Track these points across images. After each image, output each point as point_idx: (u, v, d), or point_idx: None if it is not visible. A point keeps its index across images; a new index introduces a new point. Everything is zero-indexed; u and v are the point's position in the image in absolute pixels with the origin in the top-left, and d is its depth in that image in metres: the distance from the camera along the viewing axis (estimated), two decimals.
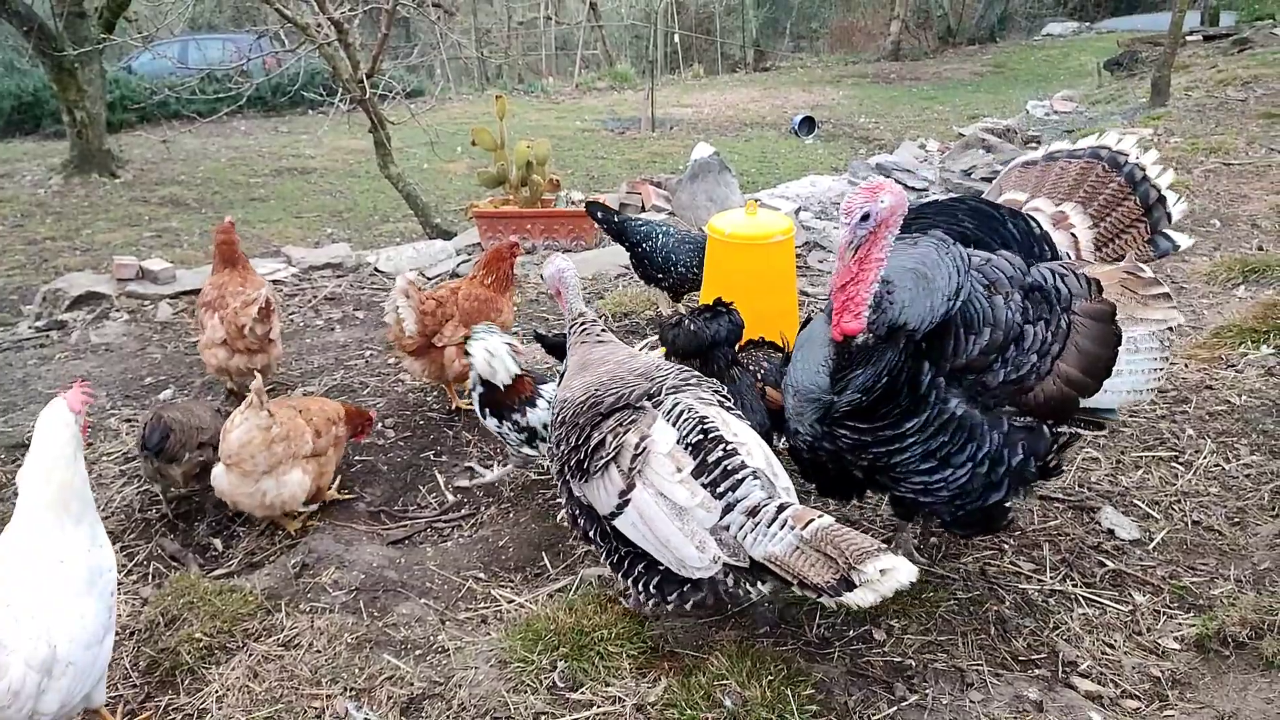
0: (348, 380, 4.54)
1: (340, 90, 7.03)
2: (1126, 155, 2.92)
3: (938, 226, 2.66)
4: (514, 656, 2.49)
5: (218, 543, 3.21)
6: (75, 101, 10.54)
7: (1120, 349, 2.41)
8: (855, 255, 2.33)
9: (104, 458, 3.78)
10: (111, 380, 4.64)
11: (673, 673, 2.43)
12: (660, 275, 4.87)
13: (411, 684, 2.45)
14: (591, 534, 2.49)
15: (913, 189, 7.48)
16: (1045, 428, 2.46)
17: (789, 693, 2.28)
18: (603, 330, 2.82)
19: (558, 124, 14.61)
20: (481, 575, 2.99)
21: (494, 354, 3.28)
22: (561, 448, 2.53)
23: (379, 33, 7.25)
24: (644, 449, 2.32)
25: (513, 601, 2.82)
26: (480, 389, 3.33)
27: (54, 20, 10.44)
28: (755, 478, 2.23)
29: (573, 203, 7.30)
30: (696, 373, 2.64)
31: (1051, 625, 2.60)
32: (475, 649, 2.58)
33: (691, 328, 3.08)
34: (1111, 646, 2.51)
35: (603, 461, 2.36)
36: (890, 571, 1.98)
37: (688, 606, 2.31)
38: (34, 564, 2.09)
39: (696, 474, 2.24)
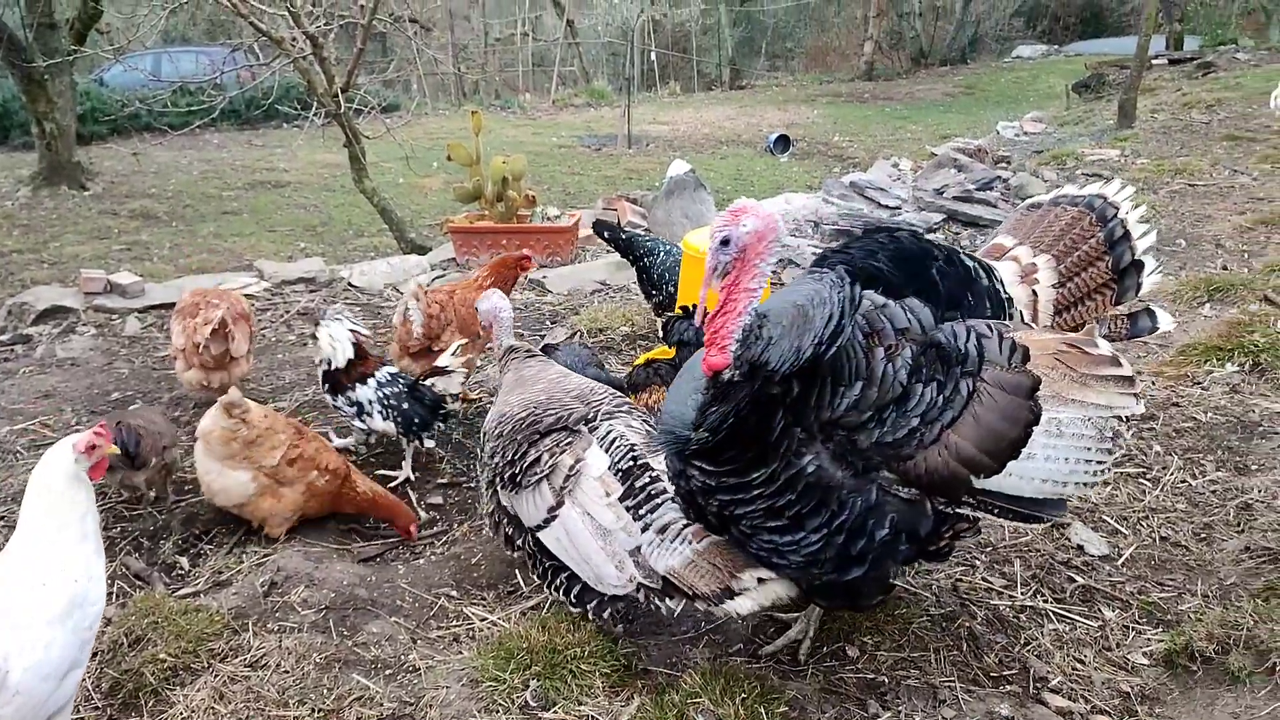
0: (318, 396, 4.49)
1: (315, 104, 7.01)
2: (1116, 208, 2.67)
3: (851, 261, 2.42)
4: (486, 675, 2.47)
5: (184, 561, 3.16)
6: (45, 113, 10.40)
7: (1036, 429, 2.08)
8: (722, 284, 2.14)
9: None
10: (77, 395, 4.56)
11: (646, 691, 2.41)
12: (653, 291, 4.92)
13: (381, 704, 2.41)
14: (517, 541, 2.62)
15: (886, 207, 7.56)
16: (929, 504, 2.14)
17: (762, 710, 2.28)
18: (529, 354, 3.02)
19: (534, 140, 14.64)
20: (453, 593, 2.96)
21: (336, 339, 3.69)
22: (495, 459, 2.65)
23: (354, 47, 7.24)
24: (577, 470, 2.47)
25: (485, 620, 2.79)
26: (324, 368, 3.72)
27: (24, 31, 10.31)
28: (673, 501, 2.36)
29: (548, 218, 7.31)
30: (628, 400, 2.76)
31: (1023, 641, 2.61)
32: (447, 668, 2.55)
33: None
34: (1082, 662, 2.53)
35: (536, 477, 2.51)
36: (768, 581, 2.14)
37: (605, 615, 2.48)
38: (10, 582, 2.04)
39: (623, 498, 2.40)
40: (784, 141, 12.95)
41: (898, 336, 2.13)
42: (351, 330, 3.76)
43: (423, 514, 3.46)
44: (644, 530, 2.33)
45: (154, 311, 5.84)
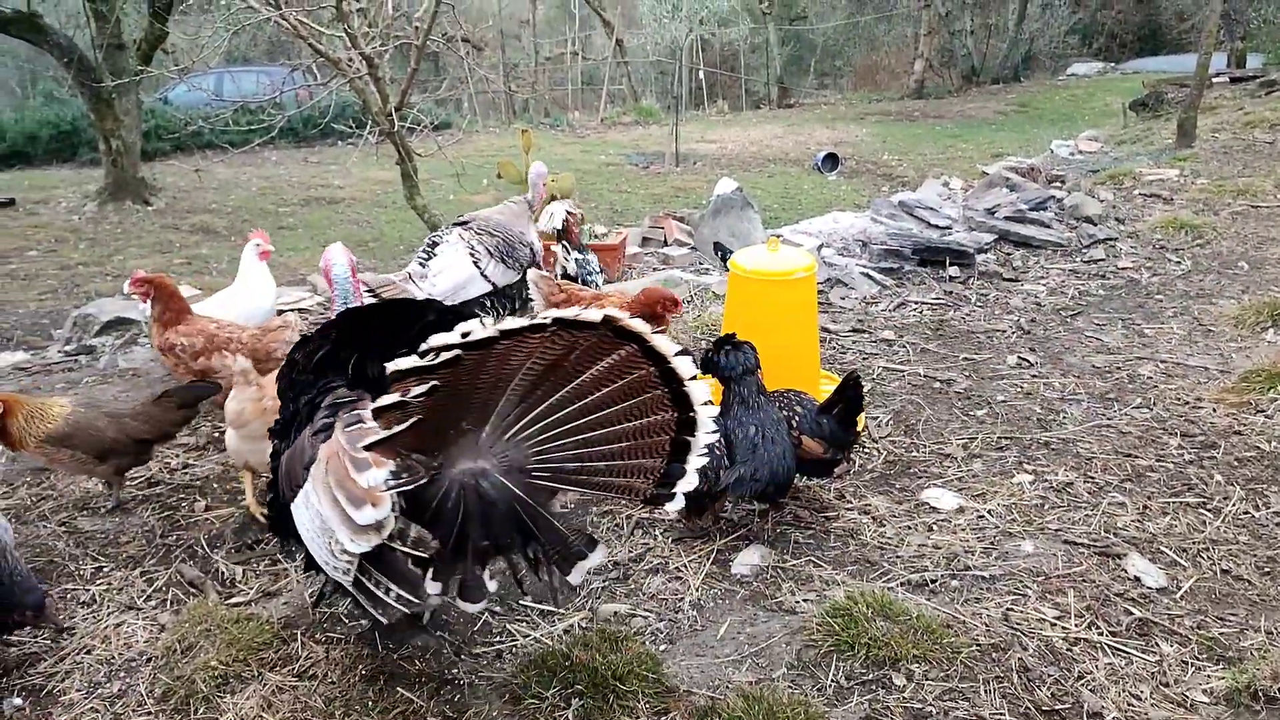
0: None
1: (370, 123, 7.15)
2: None
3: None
4: (529, 693, 2.47)
5: (238, 570, 3.22)
6: (111, 131, 10.78)
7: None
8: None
9: (127, 482, 3.81)
10: None
11: (688, 714, 2.39)
12: None
13: (425, 718, 2.43)
14: None
15: (935, 227, 7.47)
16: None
17: None
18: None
19: (582, 158, 14.76)
20: (497, 608, 2.98)
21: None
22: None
23: (409, 67, 7.38)
24: None
25: (528, 636, 2.80)
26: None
27: (94, 52, 10.72)
28: None
29: (595, 236, 7.35)
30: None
31: (1076, 675, 2.54)
32: (490, 684, 2.57)
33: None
34: (1138, 698, 2.45)
35: None
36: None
37: None
38: None
39: None
40: (832, 160, 12.89)
41: None
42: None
43: None
44: None
45: None
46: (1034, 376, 4.66)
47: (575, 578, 2.16)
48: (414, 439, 1.93)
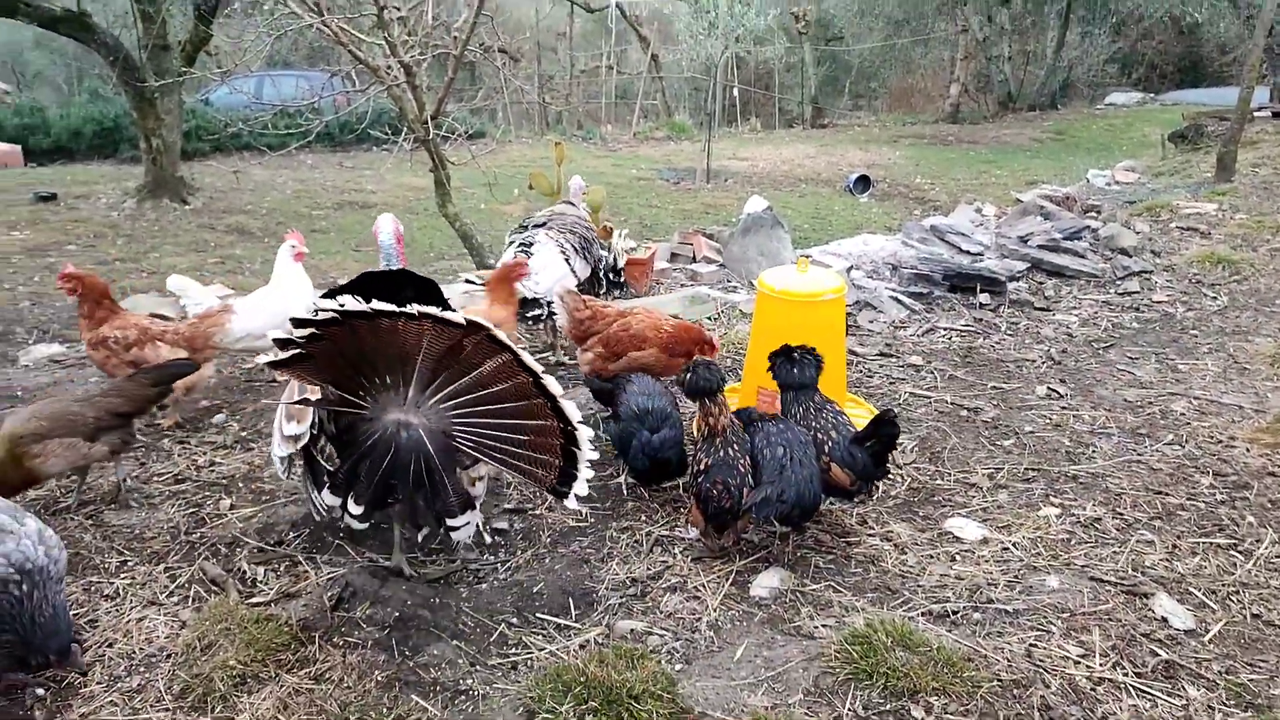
0: None
1: (405, 130, 7.23)
2: None
3: None
4: (543, 707, 2.46)
5: (259, 570, 3.24)
6: (153, 130, 10.97)
7: None
8: None
9: (155, 478, 3.86)
10: (167, 401, 4.74)
11: None
12: None
13: None
14: None
15: (966, 253, 7.42)
16: None
17: None
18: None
19: (614, 171, 14.82)
20: (514, 620, 2.97)
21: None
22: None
23: (446, 76, 7.45)
24: None
25: (544, 650, 2.79)
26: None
27: (139, 51, 10.93)
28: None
29: (625, 251, 7.36)
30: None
31: (1099, 715, 2.50)
32: (504, 696, 2.56)
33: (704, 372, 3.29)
34: None
35: None
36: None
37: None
38: None
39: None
40: (864, 181, 12.85)
41: None
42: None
43: (487, 538, 3.49)
44: None
45: None
46: (1064, 408, 4.60)
47: (458, 535, 2.73)
48: (331, 377, 2.49)
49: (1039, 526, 3.47)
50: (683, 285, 7.16)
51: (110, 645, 2.78)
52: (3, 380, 5.13)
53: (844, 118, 25.71)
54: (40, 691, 2.58)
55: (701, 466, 3.19)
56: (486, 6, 7.62)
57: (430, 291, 2.74)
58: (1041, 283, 6.91)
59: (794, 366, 3.38)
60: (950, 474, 3.93)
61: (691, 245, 8.04)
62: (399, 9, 6.93)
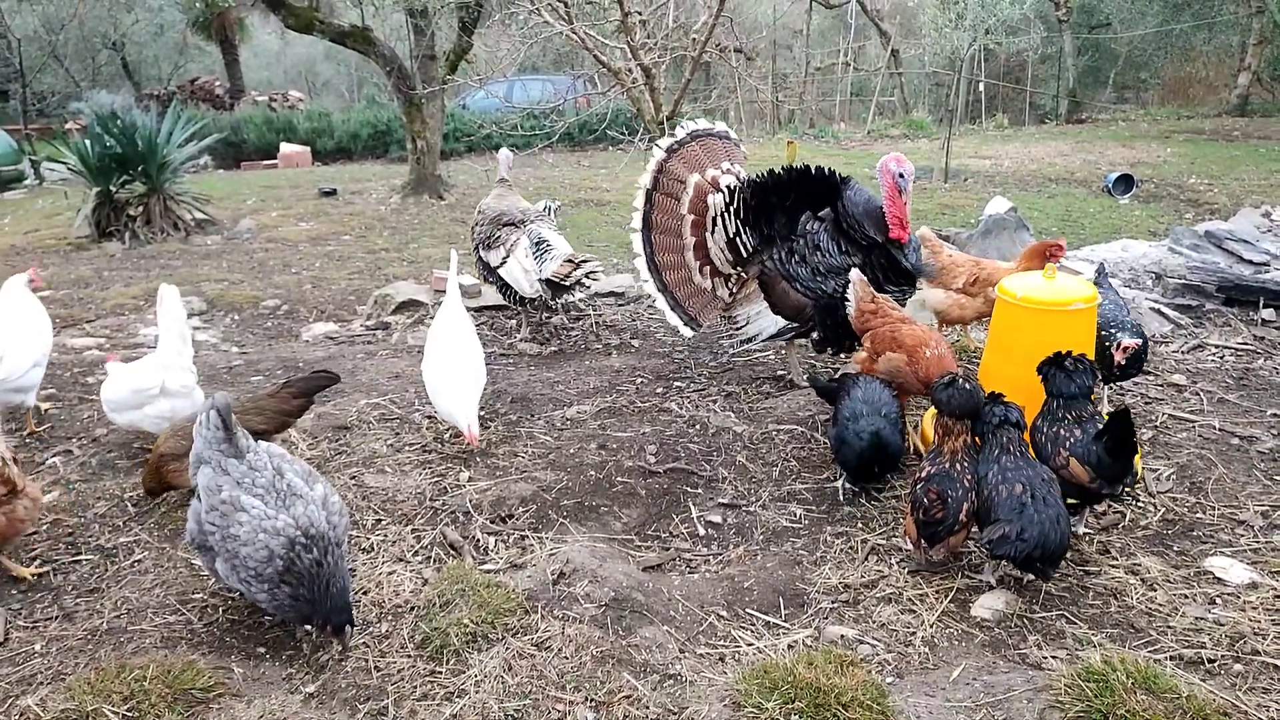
0: (617, 404, 4.78)
1: (641, 129, 7.49)
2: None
3: None
4: (749, 700, 2.48)
5: (490, 540, 3.50)
6: (418, 132, 12.10)
7: None
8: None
9: (406, 447, 4.26)
10: (418, 379, 5.21)
11: None
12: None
13: (648, 707, 2.52)
14: (488, 276, 5.87)
15: (1249, 262, 6.58)
16: None
17: None
18: (508, 189, 6.11)
19: (845, 169, 14.45)
20: (724, 613, 3.01)
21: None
22: (478, 231, 5.88)
23: (683, 77, 7.64)
24: (516, 242, 5.62)
25: (752, 645, 2.81)
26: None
27: (410, 62, 12.08)
28: (557, 253, 5.55)
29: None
30: (543, 215, 5.95)
31: None
32: (710, 685, 2.61)
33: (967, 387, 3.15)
34: None
35: (500, 243, 5.72)
36: (584, 262, 5.54)
37: (527, 306, 5.80)
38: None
39: (534, 255, 5.56)
40: (1126, 181, 11.71)
41: None
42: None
43: (701, 530, 3.54)
44: (541, 265, 5.52)
45: (486, 312, 6.54)
46: None
47: None
48: None
49: None
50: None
51: (365, 594, 3.10)
52: (288, 351, 5.86)
53: (1105, 112, 23.54)
54: (308, 626, 2.94)
55: (922, 474, 3.08)
56: (725, 8, 7.71)
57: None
58: None
59: (1067, 375, 3.17)
60: (1214, 508, 3.52)
61: (926, 247, 7.69)
62: (640, 13, 7.18)
